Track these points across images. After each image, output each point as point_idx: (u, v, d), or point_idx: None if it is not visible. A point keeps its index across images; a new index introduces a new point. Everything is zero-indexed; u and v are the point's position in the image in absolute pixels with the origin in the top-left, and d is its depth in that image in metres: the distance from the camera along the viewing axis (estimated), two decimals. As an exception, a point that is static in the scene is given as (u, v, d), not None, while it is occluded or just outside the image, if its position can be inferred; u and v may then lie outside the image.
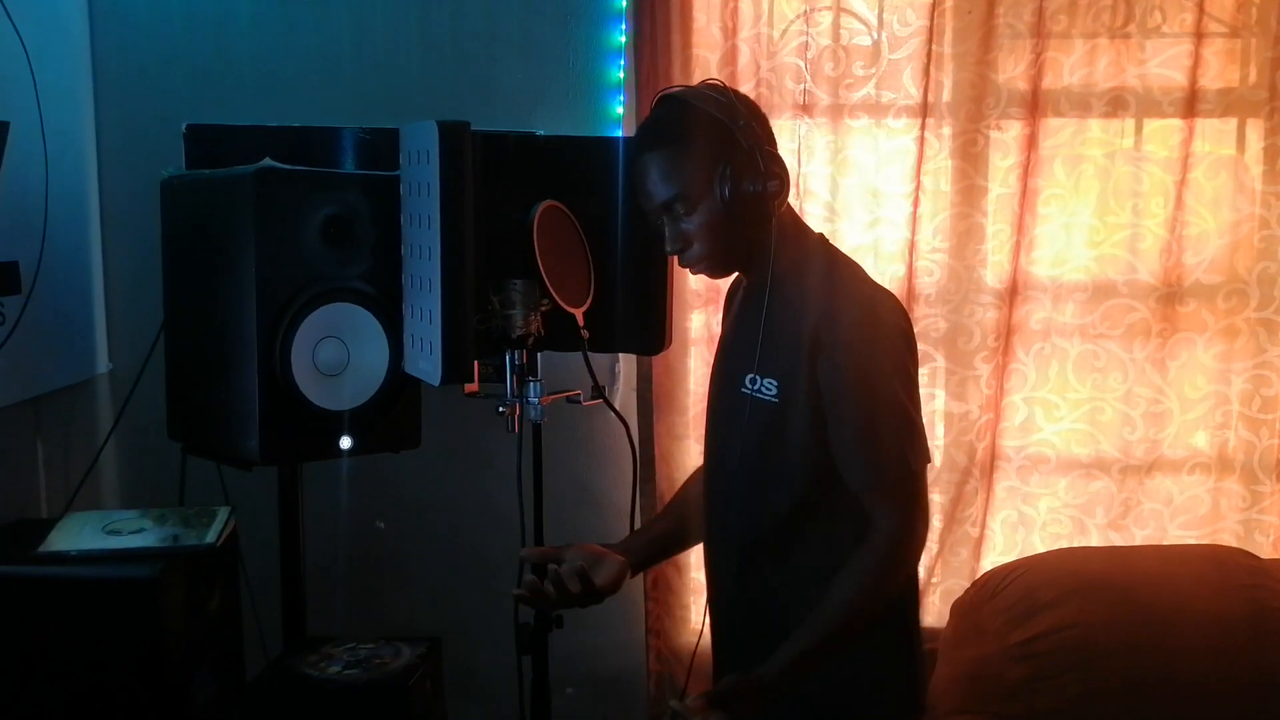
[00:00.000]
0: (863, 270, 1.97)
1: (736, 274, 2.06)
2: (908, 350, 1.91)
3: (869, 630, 1.88)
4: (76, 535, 2.15)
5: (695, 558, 3.09)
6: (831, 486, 1.89)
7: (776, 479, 1.94)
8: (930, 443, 1.98)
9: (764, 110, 1.98)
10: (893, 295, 1.98)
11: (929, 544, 2.14)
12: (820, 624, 1.83)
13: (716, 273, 2.01)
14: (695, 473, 2.28)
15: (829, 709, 1.94)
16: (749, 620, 2.04)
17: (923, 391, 2.02)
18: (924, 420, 1.95)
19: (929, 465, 1.92)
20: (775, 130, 1.98)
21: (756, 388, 1.92)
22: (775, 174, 1.86)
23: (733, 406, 1.98)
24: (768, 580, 1.99)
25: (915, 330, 2.88)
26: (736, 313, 2.09)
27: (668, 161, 1.89)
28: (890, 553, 1.86)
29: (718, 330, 2.95)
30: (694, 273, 2.01)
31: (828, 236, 2.01)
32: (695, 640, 3.00)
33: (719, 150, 1.86)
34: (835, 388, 1.84)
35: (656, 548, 2.25)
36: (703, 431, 2.93)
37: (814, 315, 1.86)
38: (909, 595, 2.01)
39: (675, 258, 1.98)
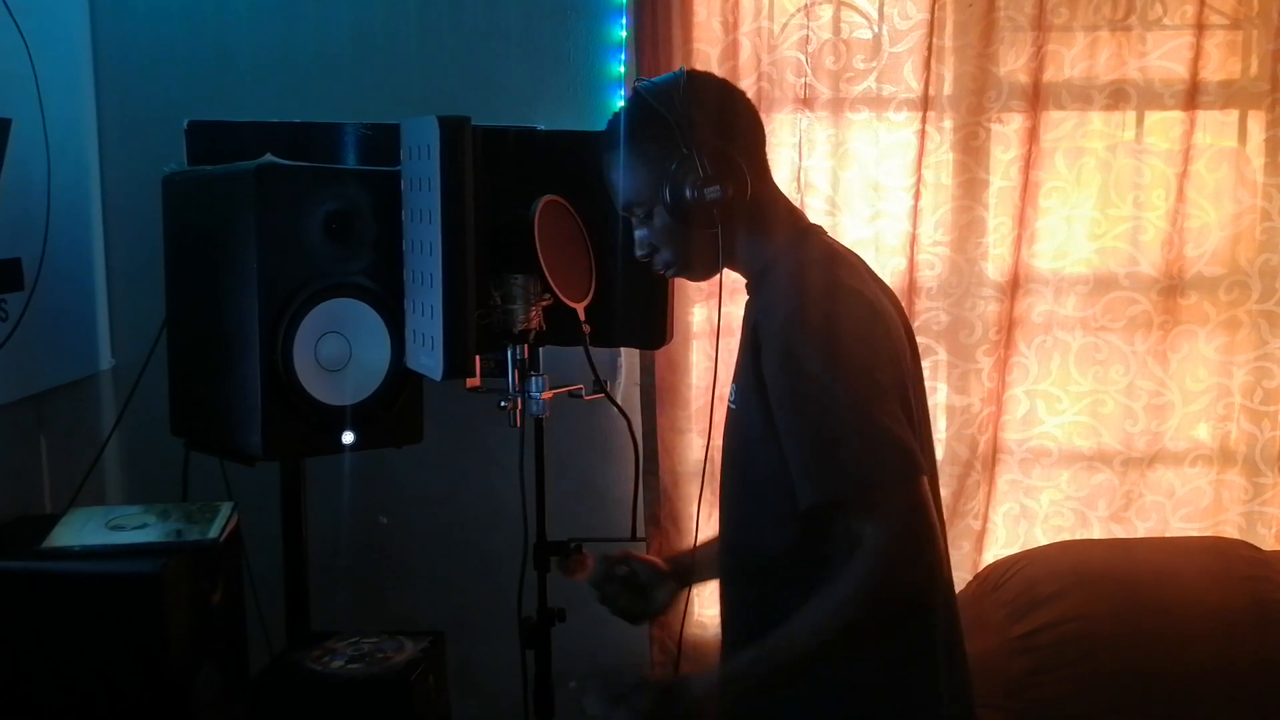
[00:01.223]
0: (842, 265, 1.80)
1: None
2: (873, 352, 1.70)
3: (884, 632, 1.73)
4: (80, 531, 2.15)
5: (698, 551, 3.10)
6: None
7: (743, 489, 1.84)
8: (933, 436, 1.93)
9: (762, 103, 1.92)
10: (866, 293, 1.76)
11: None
12: (769, 649, 1.67)
13: (691, 277, 1.93)
14: None
15: (837, 710, 1.81)
16: (738, 631, 1.95)
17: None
18: (929, 418, 1.88)
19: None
20: (776, 125, 1.95)
21: (732, 397, 1.85)
22: (718, 179, 1.74)
23: (722, 417, 1.91)
24: (745, 591, 1.92)
25: (915, 325, 2.90)
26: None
27: (617, 165, 1.83)
28: (855, 578, 1.63)
29: (720, 324, 2.96)
30: (669, 278, 1.96)
31: (828, 230, 1.93)
32: (700, 634, 3.03)
33: (662, 154, 1.77)
34: (774, 390, 1.69)
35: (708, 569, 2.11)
36: (707, 425, 2.95)
37: (755, 316, 1.76)
38: (926, 596, 1.78)
39: (649, 261, 1.90)
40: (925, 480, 1.66)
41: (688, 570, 2.14)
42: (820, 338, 1.66)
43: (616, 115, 1.85)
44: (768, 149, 1.88)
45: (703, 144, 1.75)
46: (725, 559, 1.97)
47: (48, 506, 2.57)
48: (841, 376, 1.65)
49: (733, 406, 1.84)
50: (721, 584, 2.01)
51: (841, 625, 1.65)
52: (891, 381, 1.70)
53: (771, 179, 1.88)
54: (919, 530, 1.64)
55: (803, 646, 1.66)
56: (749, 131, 1.84)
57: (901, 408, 1.69)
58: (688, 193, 1.75)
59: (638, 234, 1.88)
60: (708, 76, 1.89)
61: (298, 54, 2.94)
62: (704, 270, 1.90)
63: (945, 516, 3.02)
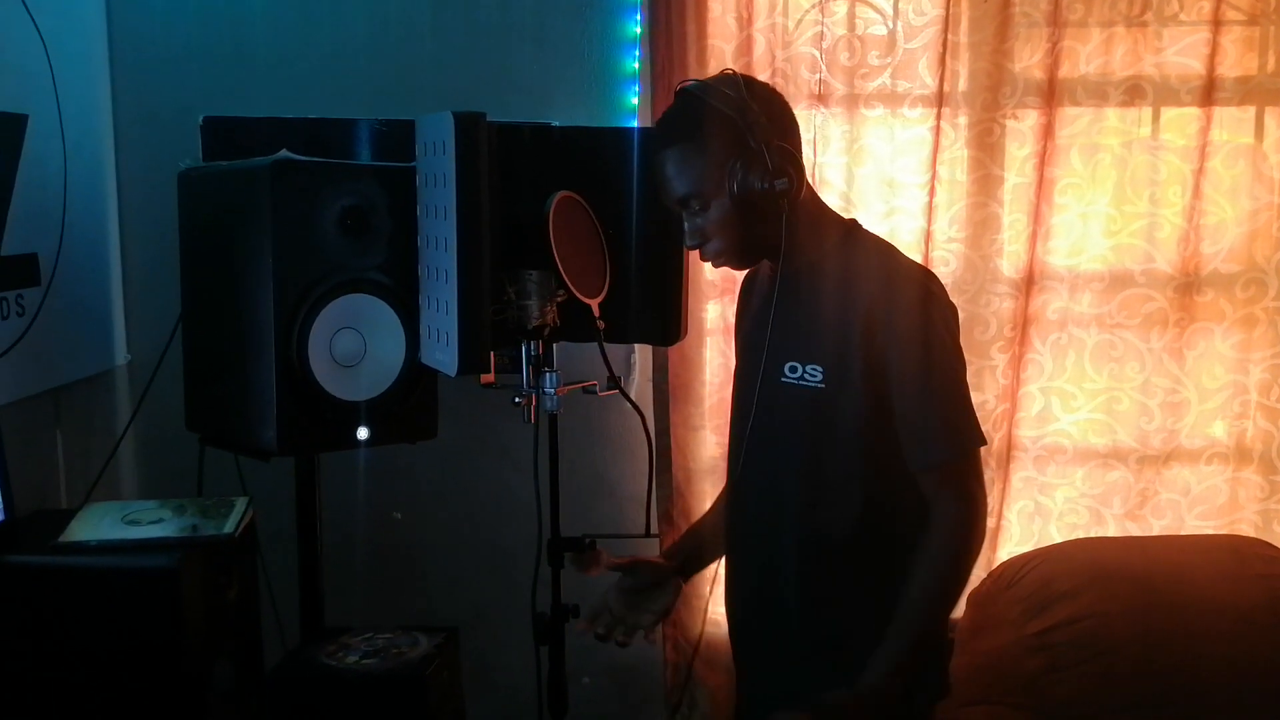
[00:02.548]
0: (907, 257, 2.01)
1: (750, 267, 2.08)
2: (957, 328, 1.95)
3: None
4: (96, 525, 2.16)
5: (711, 548, 3.10)
6: (888, 476, 1.91)
7: (828, 466, 1.95)
8: None
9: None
10: (933, 274, 2.02)
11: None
12: (907, 625, 1.85)
13: (737, 265, 2.03)
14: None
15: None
16: (783, 615, 2.03)
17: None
18: None
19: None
20: (791, 121, 1.97)
21: (799, 376, 1.93)
22: (784, 170, 1.86)
23: (772, 397, 1.97)
24: (815, 573, 1.99)
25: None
26: (760, 304, 2.08)
27: (680, 158, 1.91)
28: (961, 538, 1.87)
29: (734, 320, 2.95)
30: (715, 266, 2.03)
31: None
32: (711, 630, 3.02)
33: (728, 147, 1.87)
34: (898, 362, 1.86)
35: (709, 552, 2.28)
36: (721, 423, 2.95)
37: (867, 295, 1.89)
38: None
39: (697, 251, 1.99)
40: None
41: (690, 559, 2.27)
42: (940, 313, 1.91)
43: (669, 113, 1.98)
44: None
45: (768, 139, 1.86)
46: (772, 535, 2.04)
47: (64, 501, 2.58)
48: (954, 348, 1.91)
49: (809, 385, 1.93)
50: (748, 563, 2.11)
51: (959, 580, 1.88)
52: (963, 360, 1.95)
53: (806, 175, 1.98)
54: (984, 497, 1.90)
55: (934, 610, 1.90)
56: (795, 130, 1.96)
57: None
58: (757, 184, 1.86)
59: (690, 224, 1.96)
60: (751, 77, 1.98)
61: (313, 50, 2.94)
62: (753, 258, 2.03)
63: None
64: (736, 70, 1.96)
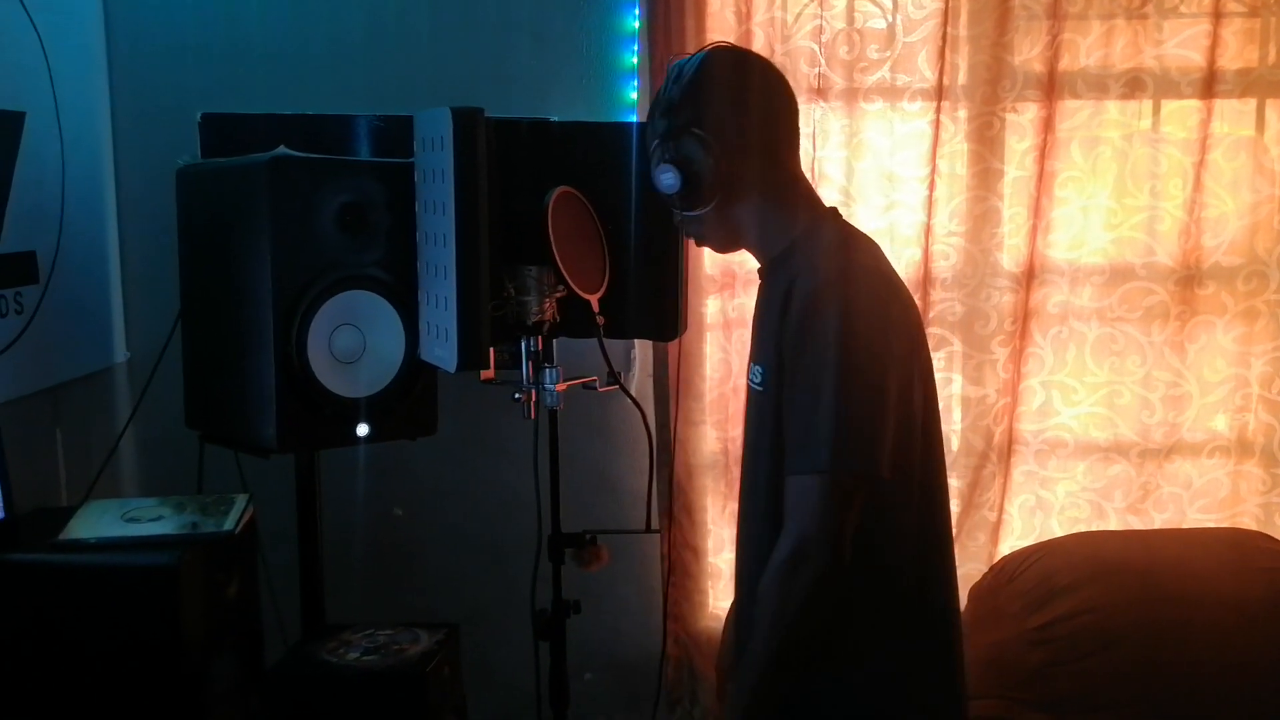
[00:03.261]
0: (860, 251, 1.80)
1: None
2: (885, 337, 1.69)
3: (898, 622, 1.77)
4: (96, 523, 2.16)
5: (713, 542, 3.10)
6: None
7: (766, 471, 1.80)
8: (946, 428, 1.91)
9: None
10: (886, 284, 1.76)
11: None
12: (746, 669, 1.71)
13: (716, 249, 1.97)
14: None
15: (863, 703, 1.80)
16: (746, 619, 1.92)
17: (939, 376, 1.95)
18: (939, 408, 1.84)
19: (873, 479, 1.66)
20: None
21: (754, 377, 1.85)
22: (680, 163, 1.76)
23: (747, 399, 1.93)
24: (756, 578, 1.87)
25: (930, 316, 2.89)
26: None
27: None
28: (784, 574, 1.66)
29: (734, 315, 2.97)
30: (697, 245, 1.97)
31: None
32: (714, 625, 3.02)
33: (654, 135, 1.82)
34: (788, 366, 1.71)
35: None
36: (721, 418, 2.95)
37: (784, 293, 1.74)
38: (932, 583, 1.83)
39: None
40: (855, 492, 1.65)
41: None
42: (850, 323, 1.66)
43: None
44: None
45: (678, 130, 1.77)
46: (742, 547, 1.97)
47: (64, 499, 2.58)
48: (851, 362, 1.65)
49: (758, 388, 1.82)
50: (738, 575, 2.01)
51: (785, 617, 1.66)
52: (896, 369, 1.70)
53: (793, 161, 1.86)
54: (832, 533, 1.64)
55: (766, 654, 1.68)
56: (763, 113, 1.82)
57: (900, 397, 1.70)
58: (656, 180, 1.80)
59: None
60: (724, 55, 1.84)
61: (311, 46, 2.94)
62: (717, 244, 1.93)
63: (960, 507, 3.04)
64: (716, 45, 1.85)
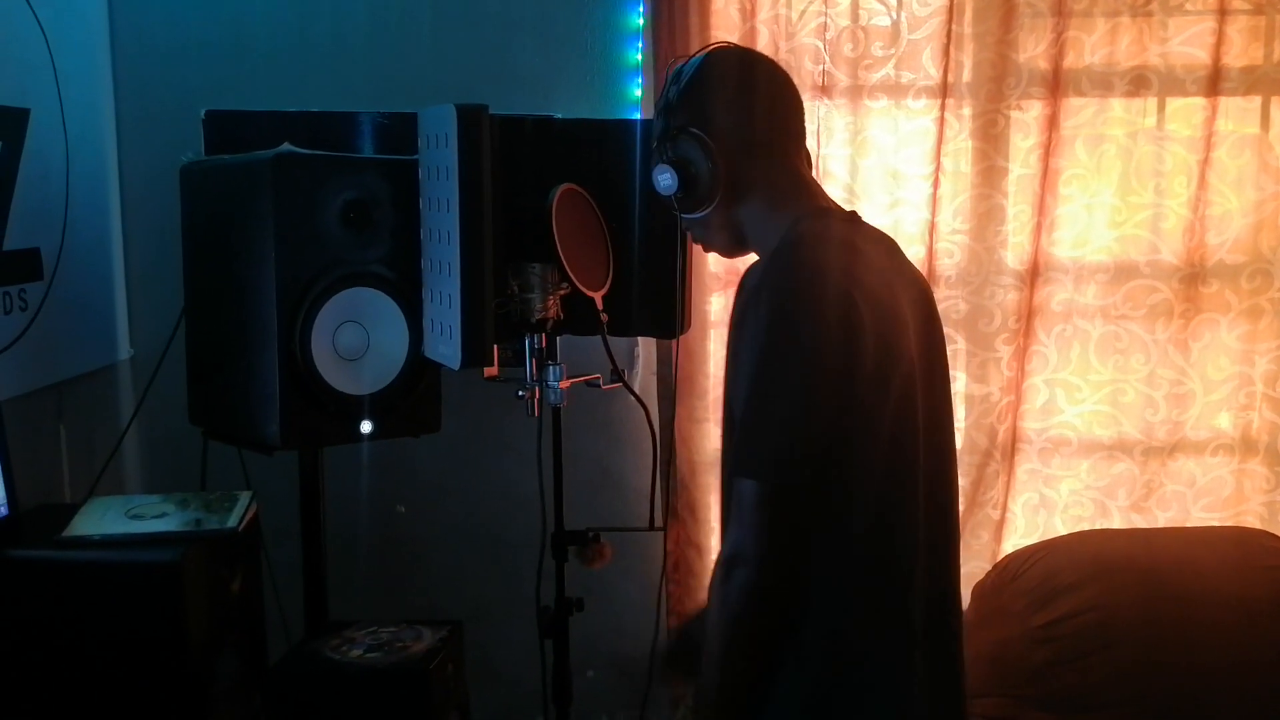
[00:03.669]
0: (829, 248, 1.67)
1: None
2: (816, 343, 1.58)
3: (850, 632, 1.68)
4: (100, 520, 2.16)
5: (716, 540, 3.09)
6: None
7: (728, 472, 1.75)
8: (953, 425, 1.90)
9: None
10: (838, 279, 1.62)
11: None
12: (706, 664, 1.68)
13: (720, 253, 1.91)
14: None
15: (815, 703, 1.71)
16: None
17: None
18: (945, 412, 1.80)
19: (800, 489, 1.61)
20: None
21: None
22: (674, 165, 1.74)
23: None
24: None
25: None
26: None
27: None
28: (718, 573, 1.64)
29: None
30: (705, 250, 1.93)
31: None
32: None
33: (654, 137, 1.80)
34: (731, 369, 1.71)
35: None
36: (722, 415, 2.93)
37: (745, 299, 1.71)
38: (895, 594, 1.71)
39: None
40: (783, 500, 1.60)
41: None
42: (795, 328, 1.59)
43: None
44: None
45: (676, 131, 1.74)
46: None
47: (67, 496, 2.58)
48: (792, 367, 1.58)
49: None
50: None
51: (722, 627, 1.64)
52: (826, 376, 1.59)
53: (792, 160, 1.81)
54: (760, 541, 1.59)
55: (713, 657, 1.66)
56: (764, 113, 1.78)
57: (837, 403, 1.60)
58: (654, 182, 1.76)
59: None
60: (723, 54, 1.81)
61: (314, 43, 2.94)
62: (722, 247, 1.87)
63: (964, 506, 3.04)
64: (716, 45, 1.82)
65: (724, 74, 1.78)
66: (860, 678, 1.69)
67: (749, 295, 1.67)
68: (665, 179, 1.75)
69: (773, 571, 1.61)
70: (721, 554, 1.64)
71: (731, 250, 1.88)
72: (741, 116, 1.76)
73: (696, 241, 1.90)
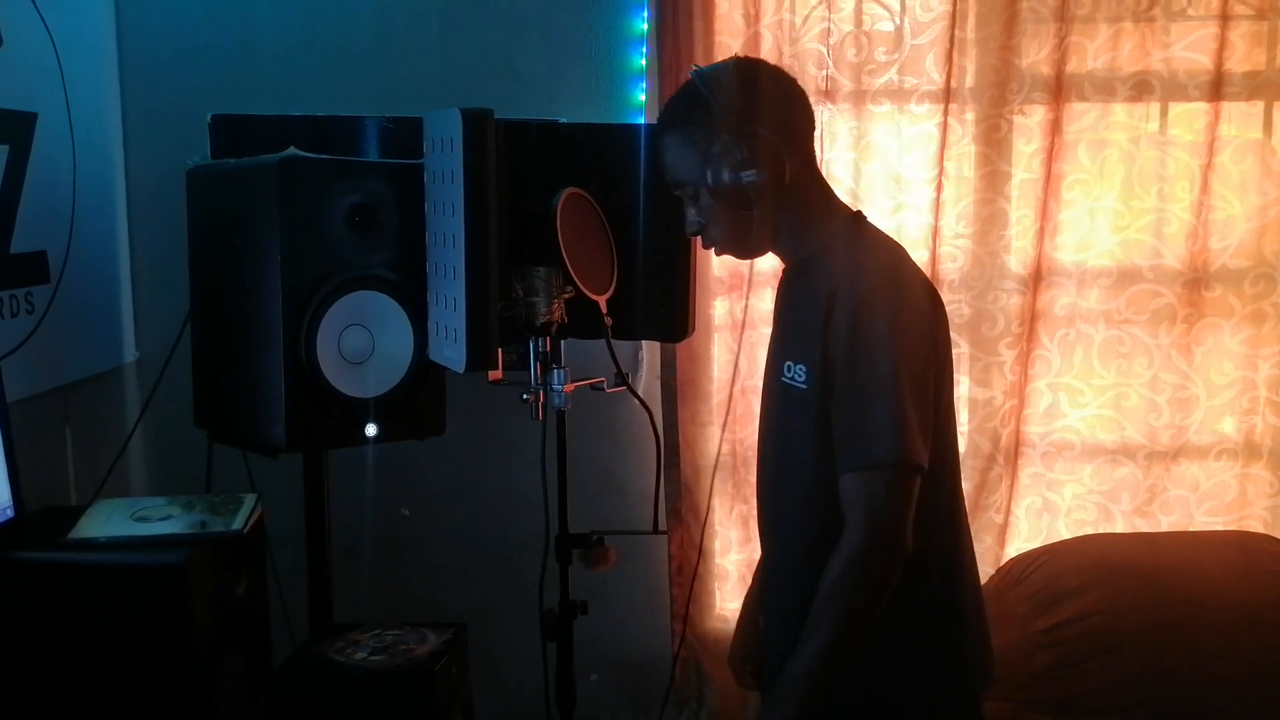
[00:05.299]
0: (896, 252, 1.90)
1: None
2: (920, 336, 1.81)
3: (904, 614, 1.81)
4: (105, 522, 2.16)
5: (720, 544, 3.10)
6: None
7: (820, 468, 1.84)
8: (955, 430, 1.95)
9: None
10: (921, 282, 1.89)
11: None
12: (799, 670, 1.75)
13: (737, 255, 2.00)
14: None
15: (867, 700, 1.87)
16: (785, 618, 1.97)
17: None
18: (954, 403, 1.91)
19: (919, 474, 1.76)
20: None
21: (791, 375, 1.88)
22: (756, 162, 1.82)
23: (776, 396, 1.96)
24: (811, 574, 1.88)
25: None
26: (777, 299, 2.06)
27: (668, 145, 1.92)
28: (857, 570, 1.74)
29: (741, 317, 2.96)
30: (716, 254, 2.01)
31: None
32: (721, 626, 3.02)
33: (708, 136, 1.85)
34: (837, 358, 1.77)
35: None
36: (728, 419, 2.95)
37: (830, 289, 1.80)
38: (946, 574, 1.91)
39: (698, 239, 1.97)
40: (912, 485, 1.76)
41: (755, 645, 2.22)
42: (901, 318, 1.78)
43: (670, 98, 1.97)
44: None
45: (742, 129, 1.82)
46: (771, 534, 2.03)
47: (73, 498, 2.59)
48: (905, 357, 1.75)
49: (799, 386, 1.86)
50: (767, 562, 2.08)
51: (854, 616, 1.74)
52: (934, 365, 1.82)
53: (817, 167, 1.95)
54: (898, 524, 1.74)
55: (830, 648, 1.74)
56: (797, 120, 1.91)
57: (935, 391, 1.82)
58: (726, 175, 1.83)
59: (688, 211, 1.95)
60: (759, 64, 1.94)
61: (320, 47, 2.95)
62: (748, 249, 1.98)
63: (967, 509, 3.04)
64: (743, 56, 1.94)
65: (765, 82, 1.89)
66: (930, 655, 1.89)
67: (858, 300, 1.78)
68: (749, 172, 1.82)
69: (906, 555, 1.75)
70: (851, 545, 1.73)
71: (755, 250, 1.97)
72: (786, 121, 1.88)
73: (712, 243, 1.96)
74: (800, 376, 1.86)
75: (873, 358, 1.75)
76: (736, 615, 2.35)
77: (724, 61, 1.93)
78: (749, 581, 2.36)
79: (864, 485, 1.74)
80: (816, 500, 1.84)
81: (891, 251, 1.89)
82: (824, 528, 1.80)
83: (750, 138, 1.82)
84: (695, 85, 1.87)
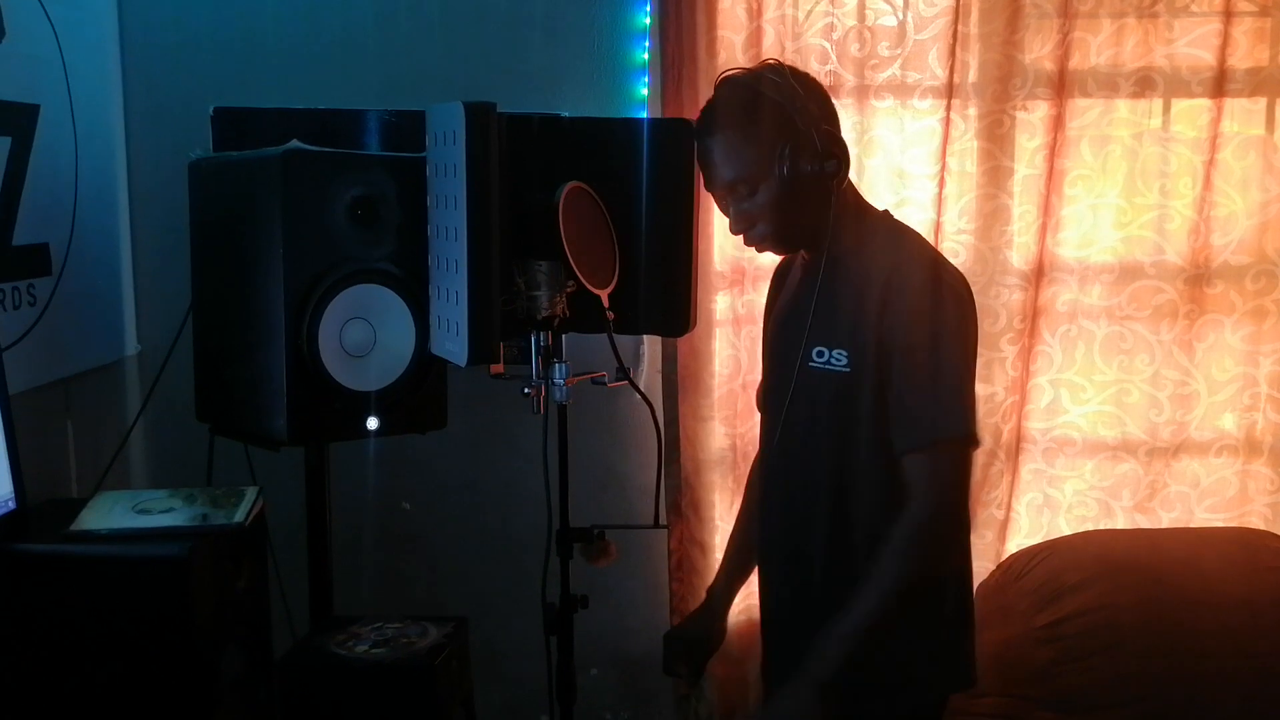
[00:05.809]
0: (929, 244, 2.07)
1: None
2: (971, 321, 1.95)
3: (930, 597, 1.91)
4: (107, 514, 2.17)
5: (720, 538, 3.10)
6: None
7: (856, 451, 1.95)
8: None
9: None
10: (958, 269, 2.01)
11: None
12: (860, 612, 1.85)
13: (781, 250, 2.09)
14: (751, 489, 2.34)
15: (881, 675, 1.95)
16: (813, 601, 2.03)
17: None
18: None
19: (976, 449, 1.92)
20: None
21: (826, 360, 1.96)
22: (833, 153, 1.91)
23: (802, 382, 2.00)
24: (845, 558, 1.99)
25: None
26: (795, 289, 2.11)
27: (728, 144, 1.96)
28: (922, 540, 1.86)
29: (743, 312, 2.96)
30: (759, 250, 2.07)
31: None
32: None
33: (777, 132, 1.91)
34: (898, 343, 1.87)
35: (740, 575, 2.34)
36: (729, 414, 2.95)
37: (882, 279, 1.91)
38: (966, 565, 2.04)
39: (742, 235, 2.03)
40: (971, 459, 1.91)
41: (724, 595, 2.35)
42: (952, 305, 1.90)
43: (715, 99, 2.02)
44: None
45: (815, 124, 1.91)
46: (797, 518, 2.07)
47: (74, 490, 2.59)
48: (960, 341, 1.91)
49: (841, 370, 1.95)
50: (779, 548, 2.14)
51: (919, 574, 1.86)
52: (976, 349, 1.96)
53: None
54: (959, 499, 1.89)
55: (890, 601, 1.85)
56: (837, 117, 2.03)
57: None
58: (806, 167, 1.91)
59: (736, 209, 2.01)
60: (795, 67, 2.02)
61: (323, 40, 2.94)
62: (797, 241, 2.06)
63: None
64: (780, 61, 2.01)
65: (811, 82, 2.00)
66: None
67: (913, 285, 1.91)
68: (831, 161, 1.92)
69: (968, 529, 1.99)
70: (916, 518, 1.85)
71: (807, 241, 2.04)
72: (835, 118, 2.02)
73: (761, 238, 2.02)
74: (841, 360, 1.94)
75: (937, 339, 1.87)
76: (736, 607, 2.36)
77: (762, 64, 2.01)
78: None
79: (931, 459, 1.85)
80: (869, 476, 1.94)
81: (927, 243, 2.07)
82: (864, 503, 1.93)
83: (820, 132, 1.91)
84: (747, 84, 1.95)
